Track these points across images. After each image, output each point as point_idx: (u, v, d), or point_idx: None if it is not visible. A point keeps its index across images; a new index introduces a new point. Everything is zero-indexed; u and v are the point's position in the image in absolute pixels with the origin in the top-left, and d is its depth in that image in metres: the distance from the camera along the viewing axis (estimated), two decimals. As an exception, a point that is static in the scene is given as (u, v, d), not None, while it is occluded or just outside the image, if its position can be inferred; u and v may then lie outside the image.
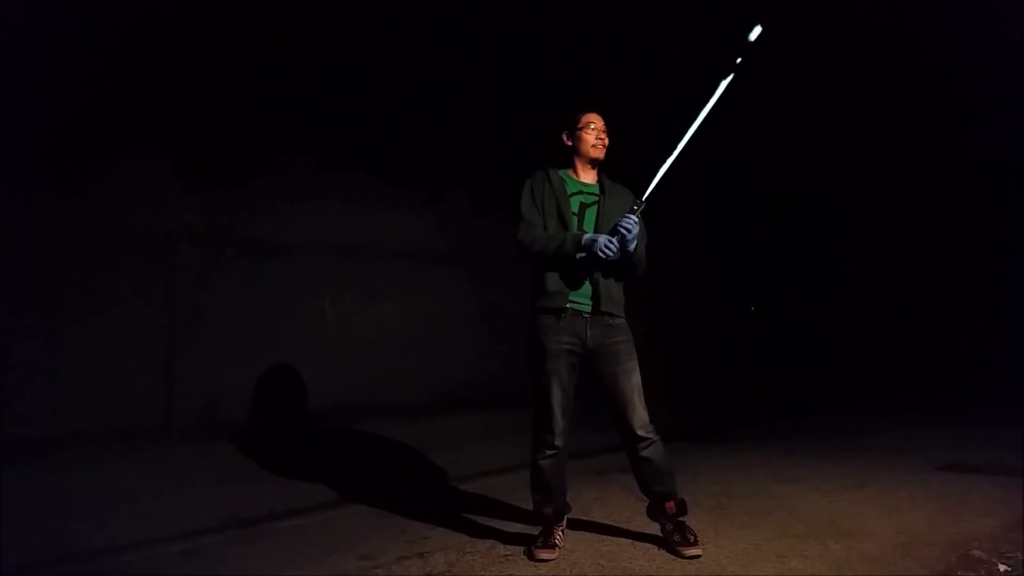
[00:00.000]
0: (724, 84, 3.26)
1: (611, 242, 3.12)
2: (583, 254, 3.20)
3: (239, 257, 5.84)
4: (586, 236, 3.20)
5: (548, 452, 3.28)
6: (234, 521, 4.02)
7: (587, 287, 3.28)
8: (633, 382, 3.27)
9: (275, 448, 5.32)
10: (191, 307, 5.55)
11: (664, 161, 3.27)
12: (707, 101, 3.26)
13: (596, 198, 3.37)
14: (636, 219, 3.17)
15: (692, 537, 3.27)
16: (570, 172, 3.43)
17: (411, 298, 6.89)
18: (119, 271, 5.24)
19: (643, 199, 3.23)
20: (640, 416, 3.26)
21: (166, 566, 3.39)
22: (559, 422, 3.25)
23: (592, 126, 3.39)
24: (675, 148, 3.28)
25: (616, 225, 3.18)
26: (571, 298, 3.26)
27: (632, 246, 3.18)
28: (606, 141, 3.41)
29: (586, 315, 3.27)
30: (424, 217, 7.08)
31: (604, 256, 3.12)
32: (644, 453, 3.27)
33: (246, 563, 3.40)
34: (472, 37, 6.80)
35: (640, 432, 3.25)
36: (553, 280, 3.27)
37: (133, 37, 5.07)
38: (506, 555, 3.33)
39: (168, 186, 5.49)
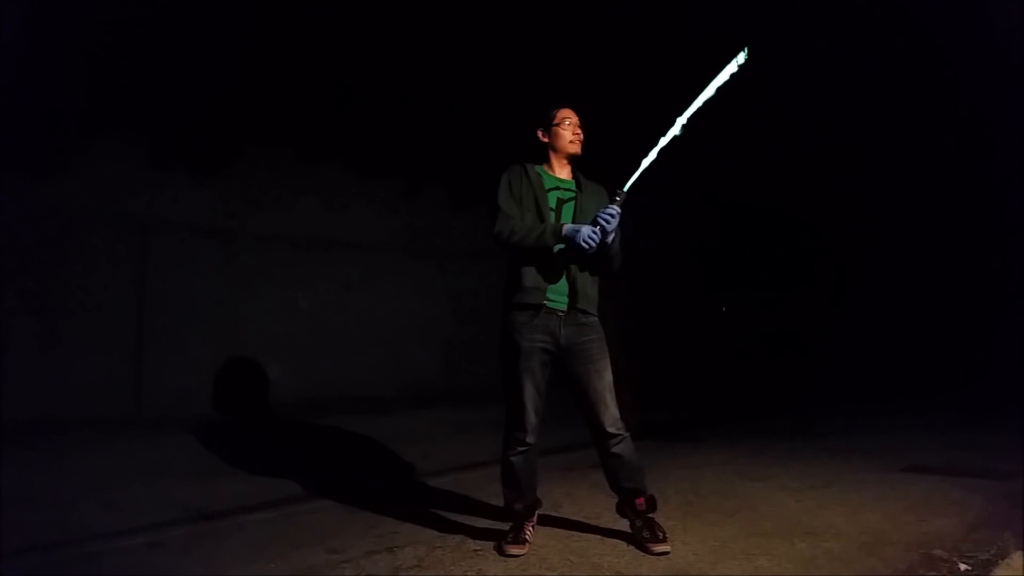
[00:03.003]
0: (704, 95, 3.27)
1: (594, 232, 3.12)
2: (563, 245, 3.20)
3: (212, 248, 5.79)
4: (567, 226, 3.19)
5: (520, 449, 3.28)
6: (201, 514, 3.99)
7: (563, 284, 3.28)
8: (605, 380, 3.28)
9: (244, 441, 5.27)
10: (162, 297, 5.48)
11: (647, 153, 3.25)
12: (695, 98, 3.25)
13: (573, 194, 3.37)
14: (617, 209, 3.16)
15: (661, 534, 3.29)
16: (545, 168, 3.42)
17: (385, 292, 6.87)
18: (89, 259, 5.17)
19: (625, 189, 3.21)
20: (611, 413, 3.27)
21: (132, 558, 3.35)
22: (531, 419, 3.26)
23: (568, 121, 3.39)
24: (659, 141, 3.26)
25: (597, 216, 3.16)
26: (547, 295, 3.26)
27: (611, 238, 3.19)
28: (582, 136, 3.41)
29: (560, 313, 3.27)
30: (399, 211, 7.05)
31: (587, 247, 3.11)
32: (615, 449, 3.29)
33: (213, 556, 3.37)
34: (448, 32, 6.77)
35: (611, 429, 3.26)
36: (530, 276, 3.26)
37: (108, 22, 5.00)
38: (476, 550, 3.33)
39: (141, 174, 5.42)
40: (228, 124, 5.78)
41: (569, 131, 3.38)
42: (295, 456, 5.14)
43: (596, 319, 3.36)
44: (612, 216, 3.13)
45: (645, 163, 3.24)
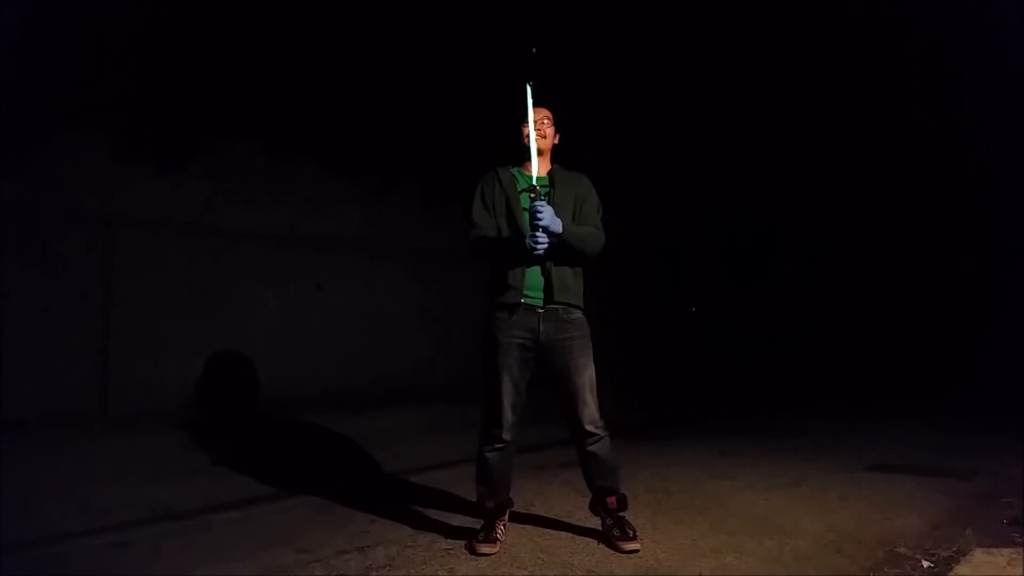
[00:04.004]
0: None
1: (534, 236, 3.15)
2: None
3: (179, 244, 5.72)
4: (527, 239, 3.21)
5: (496, 445, 3.30)
6: (169, 513, 3.94)
7: (539, 280, 3.30)
8: (585, 378, 3.30)
9: (212, 439, 5.22)
10: (128, 294, 5.42)
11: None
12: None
13: (547, 190, 3.39)
14: (540, 204, 3.15)
15: (631, 532, 3.32)
16: (522, 168, 3.45)
17: (356, 291, 6.84)
18: (53, 255, 5.09)
19: (534, 183, 3.24)
20: (590, 412, 3.30)
21: (98, 558, 3.30)
22: (508, 416, 3.27)
23: (530, 118, 3.42)
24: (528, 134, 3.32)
25: (530, 219, 3.20)
26: (525, 292, 3.29)
27: (557, 227, 3.20)
28: (545, 132, 3.43)
29: (539, 309, 3.29)
30: (371, 209, 7.03)
31: (540, 250, 3.15)
32: (591, 449, 3.32)
33: (180, 556, 3.33)
34: (422, 30, 6.76)
35: (589, 428, 3.29)
36: (507, 275, 3.30)
37: (74, 14, 4.92)
38: (447, 549, 3.33)
39: (107, 168, 5.34)
40: (197, 119, 5.72)
41: (528, 127, 3.41)
42: (264, 455, 5.11)
43: (580, 316, 3.38)
44: (540, 212, 3.14)
45: (534, 162, 3.29)
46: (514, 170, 3.45)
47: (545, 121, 3.44)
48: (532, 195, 3.21)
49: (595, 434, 3.30)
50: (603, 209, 3.47)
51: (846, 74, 9.34)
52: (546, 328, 3.29)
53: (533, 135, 3.30)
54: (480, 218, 3.37)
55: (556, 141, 3.51)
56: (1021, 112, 8.55)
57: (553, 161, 3.51)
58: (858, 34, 8.75)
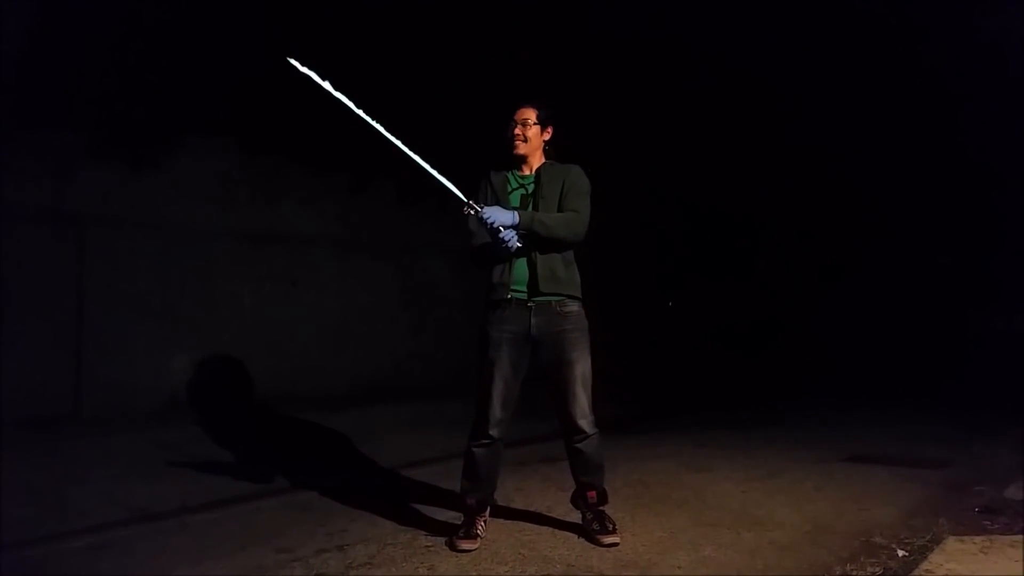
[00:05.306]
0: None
1: (500, 240, 3.18)
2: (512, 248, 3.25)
3: (153, 242, 5.66)
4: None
5: (483, 441, 3.30)
6: (145, 514, 3.91)
7: (524, 273, 3.31)
8: (576, 372, 3.30)
9: (188, 440, 5.18)
10: (100, 293, 5.35)
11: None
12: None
13: (534, 187, 3.40)
14: (484, 213, 3.17)
15: (611, 525, 3.34)
16: (516, 170, 3.46)
17: (333, 288, 6.80)
18: (23, 253, 5.01)
19: (468, 201, 3.24)
20: (580, 408, 3.30)
21: (74, 561, 3.27)
22: (496, 412, 3.27)
23: (512, 122, 3.42)
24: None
25: (485, 228, 3.22)
26: (512, 287, 3.30)
27: (507, 219, 3.20)
28: (527, 135, 3.39)
29: (530, 303, 3.30)
30: (347, 205, 6.98)
31: (510, 247, 3.19)
32: (578, 445, 3.34)
33: (157, 557, 3.30)
34: (395, 24, 6.72)
35: (578, 423, 3.30)
36: (495, 273, 3.33)
37: (45, 10, 4.85)
38: (427, 546, 3.33)
39: (77, 165, 5.27)
40: (169, 115, 5.65)
41: (510, 132, 3.42)
42: (242, 454, 5.07)
43: (576, 309, 3.37)
44: (488, 219, 3.17)
45: (448, 183, 3.29)
46: (509, 173, 3.45)
47: (528, 122, 3.40)
48: (471, 212, 3.22)
49: (584, 431, 3.31)
50: (592, 192, 3.42)
51: (826, 66, 9.36)
52: (537, 322, 3.29)
53: (383, 129, 3.29)
54: (476, 226, 3.34)
55: (547, 137, 3.46)
56: (1007, 103, 8.61)
57: (548, 156, 3.48)
58: (836, 25, 8.77)
